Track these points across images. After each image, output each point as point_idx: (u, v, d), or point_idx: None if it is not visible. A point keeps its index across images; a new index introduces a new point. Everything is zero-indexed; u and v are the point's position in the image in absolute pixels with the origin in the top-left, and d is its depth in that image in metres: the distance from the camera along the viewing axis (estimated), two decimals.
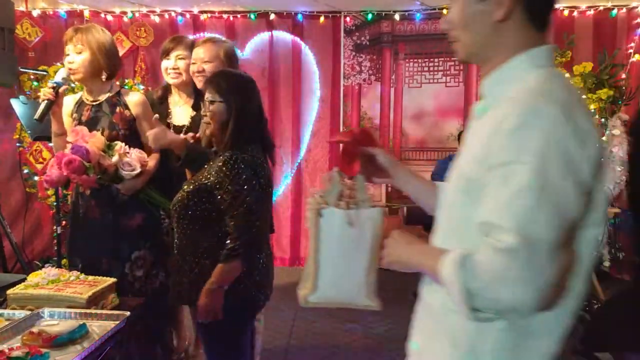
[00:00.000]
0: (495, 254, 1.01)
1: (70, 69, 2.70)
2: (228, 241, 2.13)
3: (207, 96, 2.24)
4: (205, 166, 2.29)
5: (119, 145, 2.59)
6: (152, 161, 2.72)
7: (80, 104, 2.82)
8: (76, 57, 2.69)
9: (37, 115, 2.64)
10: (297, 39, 5.75)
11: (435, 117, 5.76)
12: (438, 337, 1.21)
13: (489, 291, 1.03)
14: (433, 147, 5.77)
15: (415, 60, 5.76)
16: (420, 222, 4.61)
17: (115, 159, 2.54)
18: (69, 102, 2.85)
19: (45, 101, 2.64)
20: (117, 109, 2.77)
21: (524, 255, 0.99)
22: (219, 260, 2.13)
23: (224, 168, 2.13)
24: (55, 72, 4.96)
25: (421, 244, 1.29)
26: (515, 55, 1.18)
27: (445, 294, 1.11)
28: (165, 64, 3.04)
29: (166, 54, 3.04)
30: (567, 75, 5.22)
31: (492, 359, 1.13)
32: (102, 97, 2.78)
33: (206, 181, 2.18)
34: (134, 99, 2.83)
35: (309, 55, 5.76)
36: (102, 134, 2.69)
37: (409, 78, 5.79)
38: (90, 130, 2.67)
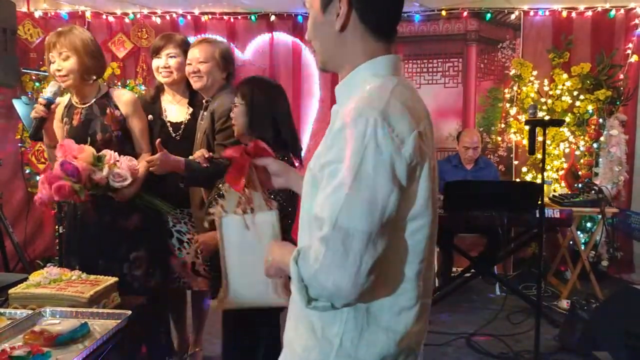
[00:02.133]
0: (319, 243, 1.11)
1: (59, 77, 2.63)
2: None
3: (235, 99, 2.34)
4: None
5: (109, 155, 2.55)
6: (142, 168, 2.69)
7: (69, 107, 2.78)
8: (63, 63, 2.62)
9: (30, 134, 2.60)
10: (297, 40, 5.76)
11: (434, 118, 5.65)
12: (301, 325, 1.30)
13: (316, 279, 1.12)
14: None
15: (414, 61, 5.78)
16: None
17: (105, 171, 2.51)
18: (61, 103, 2.80)
19: (37, 119, 2.56)
20: (108, 110, 2.73)
21: (338, 243, 1.08)
22: None
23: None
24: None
25: (288, 246, 1.39)
26: (360, 64, 1.27)
27: None
28: (157, 62, 3.00)
29: (156, 52, 3.00)
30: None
31: (339, 341, 1.22)
32: (92, 99, 2.74)
33: None
34: (123, 98, 2.79)
35: (309, 56, 5.77)
36: (96, 137, 2.67)
37: (408, 79, 5.81)
38: (83, 134, 2.66)
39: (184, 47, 2.98)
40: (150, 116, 2.94)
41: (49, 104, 2.58)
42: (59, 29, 2.71)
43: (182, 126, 3.01)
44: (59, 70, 2.62)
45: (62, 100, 2.83)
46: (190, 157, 2.66)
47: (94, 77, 2.72)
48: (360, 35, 1.27)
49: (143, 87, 5.44)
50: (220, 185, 1.75)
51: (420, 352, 1.33)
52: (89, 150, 2.52)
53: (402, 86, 1.25)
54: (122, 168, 2.56)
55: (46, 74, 5.01)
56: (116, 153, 2.60)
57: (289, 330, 1.38)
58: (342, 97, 1.31)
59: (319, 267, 1.10)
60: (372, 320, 1.21)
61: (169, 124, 3.02)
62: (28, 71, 5.06)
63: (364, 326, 1.21)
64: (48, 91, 2.62)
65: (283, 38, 5.79)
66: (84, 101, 2.75)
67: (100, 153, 2.56)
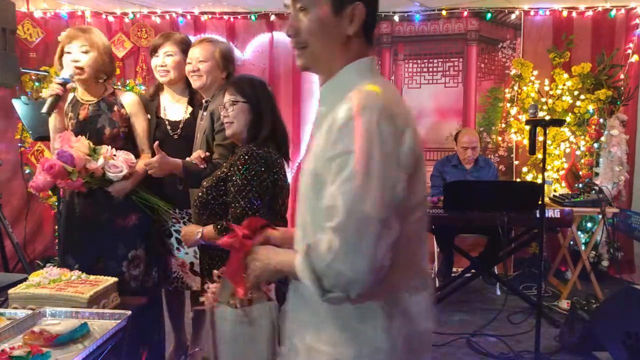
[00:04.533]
0: (332, 233, 1.14)
1: (76, 67, 2.70)
2: (223, 221, 2.20)
3: (229, 97, 2.30)
4: (224, 162, 2.37)
5: (105, 148, 2.62)
6: (140, 164, 2.73)
7: (74, 103, 2.82)
8: (82, 56, 2.71)
9: (45, 109, 2.64)
10: None
11: (434, 118, 5.76)
12: (327, 328, 1.29)
13: (331, 269, 1.14)
14: (432, 147, 5.78)
15: (415, 61, 5.78)
16: None
17: (100, 162, 2.57)
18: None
19: (53, 96, 2.64)
20: (115, 108, 2.80)
21: (355, 230, 1.12)
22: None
23: (238, 162, 2.21)
24: (57, 73, 4.99)
25: (276, 249, 1.40)
26: (347, 64, 1.31)
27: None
28: (155, 61, 3.00)
29: (155, 50, 3.00)
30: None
31: (373, 334, 1.24)
32: (99, 97, 2.81)
33: (222, 174, 2.27)
34: (129, 99, 2.88)
35: None
36: (103, 131, 2.74)
37: (408, 79, 5.80)
38: (90, 129, 2.73)
39: (183, 46, 2.97)
40: (157, 142, 2.94)
41: (65, 84, 2.66)
42: (80, 26, 2.89)
43: (181, 125, 3.01)
44: (76, 61, 2.70)
45: (66, 97, 2.85)
46: (188, 159, 2.66)
47: (104, 77, 2.82)
48: (362, 39, 1.32)
49: (143, 87, 5.43)
50: (214, 270, 1.61)
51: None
52: (85, 141, 2.60)
53: (389, 85, 1.31)
54: (119, 160, 2.62)
55: (46, 73, 5.02)
56: (113, 149, 2.67)
57: (307, 338, 1.34)
58: (330, 98, 1.32)
59: (334, 256, 1.13)
60: (396, 309, 1.25)
61: (167, 122, 3.02)
62: (27, 71, 5.04)
63: (393, 316, 1.25)
64: (64, 72, 2.71)
65: (283, 38, 5.76)
66: (91, 98, 2.82)
67: (99, 147, 2.64)
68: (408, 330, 1.27)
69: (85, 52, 2.71)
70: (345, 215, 1.13)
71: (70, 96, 2.86)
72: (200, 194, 2.32)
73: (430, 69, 5.74)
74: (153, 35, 5.57)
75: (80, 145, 2.57)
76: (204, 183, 2.33)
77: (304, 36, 1.32)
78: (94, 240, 2.76)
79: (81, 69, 2.71)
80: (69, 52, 2.71)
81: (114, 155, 2.64)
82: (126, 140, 2.83)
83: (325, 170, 1.21)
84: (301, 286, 1.33)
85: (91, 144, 2.63)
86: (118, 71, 5.50)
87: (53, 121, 2.80)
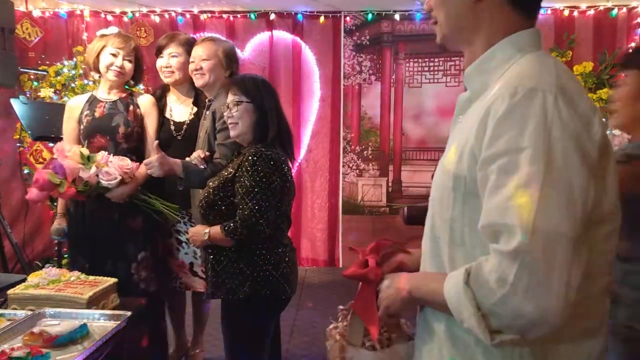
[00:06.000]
0: (505, 259, 0.88)
1: (116, 71, 2.81)
2: (231, 222, 2.18)
3: (233, 97, 2.28)
4: (230, 163, 2.36)
5: (101, 156, 2.65)
6: (142, 168, 2.73)
7: (92, 101, 2.87)
8: (127, 64, 2.83)
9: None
10: (297, 39, 5.75)
11: (435, 117, 5.75)
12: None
13: (506, 306, 0.88)
14: (433, 147, 5.76)
15: (416, 60, 5.76)
16: (421, 222, 4.64)
17: (92, 170, 2.59)
18: (77, 104, 2.90)
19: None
20: (130, 108, 2.86)
21: (539, 254, 0.86)
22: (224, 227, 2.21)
23: (246, 163, 2.19)
24: (56, 72, 4.97)
25: (412, 274, 1.19)
26: (497, 41, 1.08)
27: (450, 318, 1.02)
28: (159, 62, 3.01)
29: (159, 51, 3.02)
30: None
31: None
32: (117, 96, 2.87)
33: (228, 175, 2.24)
34: (145, 100, 2.94)
35: (309, 55, 5.76)
36: (118, 130, 2.80)
37: (409, 78, 5.79)
38: (105, 126, 2.80)
39: (188, 47, 2.97)
40: (156, 142, 2.96)
41: None
42: (123, 32, 2.95)
43: (185, 126, 3.01)
44: (121, 67, 2.82)
45: (81, 98, 2.95)
46: (188, 159, 2.65)
47: (132, 82, 2.97)
48: (501, 6, 1.08)
49: (142, 87, 5.40)
50: (340, 307, 1.39)
51: None
52: (76, 150, 2.63)
53: (560, 63, 1.04)
54: (112, 167, 2.64)
55: (45, 73, 5.00)
56: (110, 154, 2.69)
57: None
58: (477, 82, 1.11)
59: (510, 289, 0.87)
60: (550, 352, 0.98)
61: (172, 122, 3.02)
62: (26, 70, 5.02)
63: None
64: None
65: (283, 37, 5.77)
66: (109, 97, 2.88)
67: (94, 154, 2.66)
68: None
69: (130, 61, 2.84)
70: (528, 237, 0.86)
71: (86, 96, 2.94)
72: (206, 194, 2.30)
73: (431, 68, 5.73)
74: (152, 34, 5.56)
75: (72, 155, 2.60)
76: (210, 183, 2.31)
77: (433, 11, 1.16)
78: (103, 243, 2.78)
79: (122, 74, 2.83)
80: (113, 54, 2.81)
81: (110, 161, 2.66)
82: (139, 141, 2.88)
83: (478, 173, 0.97)
84: (429, 315, 1.14)
85: (84, 152, 2.64)
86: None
87: (68, 131, 2.90)
